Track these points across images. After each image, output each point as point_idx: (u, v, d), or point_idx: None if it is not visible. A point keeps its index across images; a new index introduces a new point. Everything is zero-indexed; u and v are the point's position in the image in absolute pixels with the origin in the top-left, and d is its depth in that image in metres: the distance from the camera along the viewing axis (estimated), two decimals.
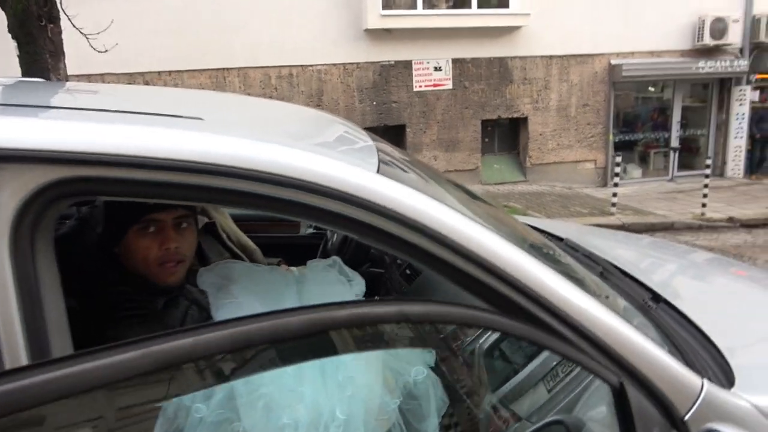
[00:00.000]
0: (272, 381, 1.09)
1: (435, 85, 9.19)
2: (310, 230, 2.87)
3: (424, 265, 1.05)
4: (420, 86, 9.14)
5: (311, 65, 8.53)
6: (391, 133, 9.07)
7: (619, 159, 8.12)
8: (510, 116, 9.78)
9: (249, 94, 8.46)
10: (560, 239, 2.28)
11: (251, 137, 1.03)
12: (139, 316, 1.22)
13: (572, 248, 2.13)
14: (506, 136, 10.18)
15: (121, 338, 0.74)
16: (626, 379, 1.05)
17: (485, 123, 9.73)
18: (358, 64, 8.75)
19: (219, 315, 1.17)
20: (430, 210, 1.03)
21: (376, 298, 1.48)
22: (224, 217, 2.01)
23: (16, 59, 5.58)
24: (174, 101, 1.46)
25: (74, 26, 5.84)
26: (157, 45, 7.56)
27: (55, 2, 5.59)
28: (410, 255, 1.04)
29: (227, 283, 1.26)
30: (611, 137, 10.29)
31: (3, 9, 5.51)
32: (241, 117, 1.37)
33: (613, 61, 9.87)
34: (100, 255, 1.31)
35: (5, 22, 5.42)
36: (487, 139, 9.93)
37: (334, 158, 1.05)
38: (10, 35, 5.48)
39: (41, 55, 5.64)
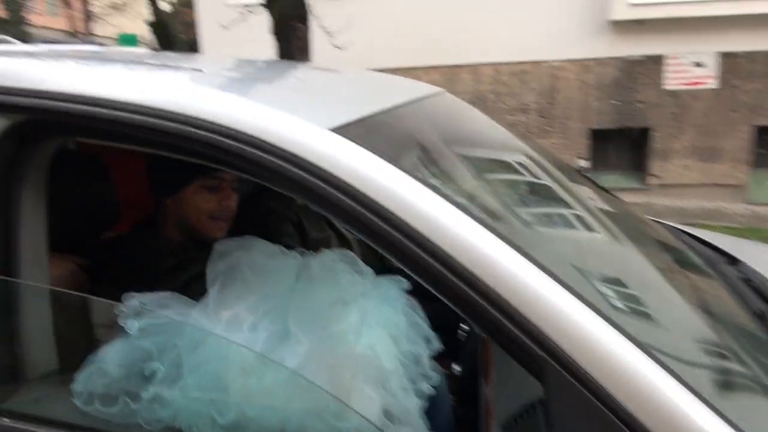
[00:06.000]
0: None
1: (693, 84, 7.91)
2: None
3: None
4: (673, 84, 7.96)
5: (545, 61, 8.11)
6: (632, 137, 8.13)
7: None
8: None
9: (478, 90, 8.44)
10: (734, 261, 1.75)
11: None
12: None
13: (742, 275, 1.62)
14: None
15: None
16: None
17: (761, 130, 8.02)
18: (598, 59, 8.01)
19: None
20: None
21: None
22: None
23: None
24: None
25: (320, 26, 6.55)
26: (392, 43, 8.03)
27: (306, 5, 6.35)
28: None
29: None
30: None
31: (270, 12, 6.44)
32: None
33: None
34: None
35: (265, 25, 6.34)
36: (762, 150, 8.18)
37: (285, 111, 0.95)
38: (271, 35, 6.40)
39: (292, 52, 6.48)
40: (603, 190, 1.93)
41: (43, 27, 22.67)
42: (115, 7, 19.36)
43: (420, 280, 0.89)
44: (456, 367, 1.69)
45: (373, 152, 0.92)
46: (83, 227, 1.49)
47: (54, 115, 1.00)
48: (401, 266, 0.89)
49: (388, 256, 0.89)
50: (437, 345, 1.41)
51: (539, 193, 1.53)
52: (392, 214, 0.86)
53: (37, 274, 1.06)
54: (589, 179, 2.08)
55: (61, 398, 0.96)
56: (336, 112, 1.07)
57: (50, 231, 1.35)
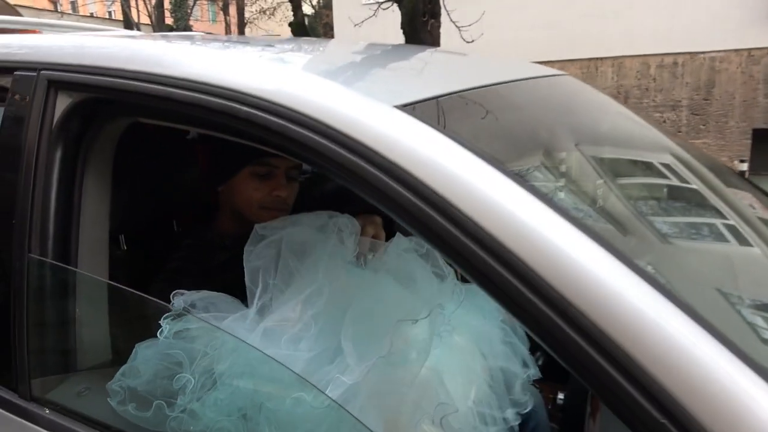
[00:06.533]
0: None
1: None
2: None
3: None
4: None
5: (702, 52, 7.21)
6: None
7: None
8: None
9: (621, 86, 7.74)
10: None
11: None
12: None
13: None
14: None
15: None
16: None
17: None
18: None
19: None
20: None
21: None
22: None
23: None
24: None
25: (451, 20, 6.36)
26: (526, 36, 7.62)
27: (439, 0, 6.21)
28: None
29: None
30: None
31: (399, 8, 6.40)
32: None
33: None
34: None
35: (396, 22, 6.30)
36: None
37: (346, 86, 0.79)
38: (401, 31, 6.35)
39: None
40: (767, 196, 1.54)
41: (204, 32, 24.95)
42: (264, 12, 20.69)
43: (493, 298, 0.69)
44: (560, 396, 1.43)
45: (446, 134, 0.74)
46: (168, 213, 1.47)
47: (116, 94, 0.94)
48: (472, 281, 0.70)
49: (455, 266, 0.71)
50: (535, 371, 1.18)
51: (675, 199, 1.22)
52: (459, 211, 0.67)
53: (95, 258, 1.01)
54: (750, 183, 1.69)
55: (102, 394, 0.90)
56: (411, 89, 0.89)
57: (131, 214, 1.33)
